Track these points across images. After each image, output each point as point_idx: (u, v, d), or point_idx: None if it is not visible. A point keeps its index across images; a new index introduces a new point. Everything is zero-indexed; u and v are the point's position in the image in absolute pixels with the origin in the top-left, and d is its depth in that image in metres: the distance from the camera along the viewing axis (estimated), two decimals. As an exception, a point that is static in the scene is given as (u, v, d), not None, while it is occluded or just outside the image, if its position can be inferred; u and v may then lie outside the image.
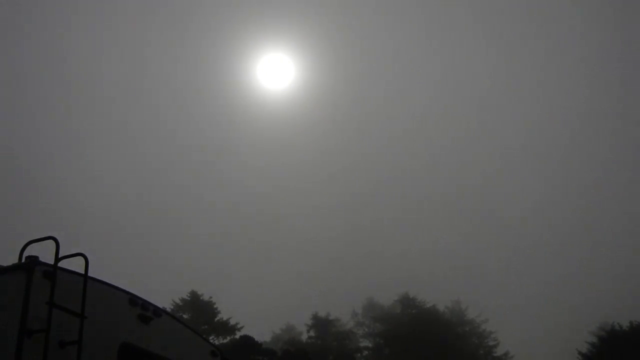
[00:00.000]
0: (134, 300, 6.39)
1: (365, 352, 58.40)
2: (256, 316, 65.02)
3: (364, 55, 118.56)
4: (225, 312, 57.00)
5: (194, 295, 57.04)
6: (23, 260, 5.33)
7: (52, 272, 5.25)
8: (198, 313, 55.43)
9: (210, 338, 48.58)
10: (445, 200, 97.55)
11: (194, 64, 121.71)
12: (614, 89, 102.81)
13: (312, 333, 58.27)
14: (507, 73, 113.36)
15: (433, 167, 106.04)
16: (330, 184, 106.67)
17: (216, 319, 56.28)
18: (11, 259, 5.41)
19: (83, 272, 5.61)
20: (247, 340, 46.83)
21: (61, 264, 5.40)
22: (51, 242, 5.40)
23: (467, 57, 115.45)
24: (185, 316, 53.13)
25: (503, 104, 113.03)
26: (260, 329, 61.39)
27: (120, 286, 6.33)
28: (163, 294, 53.55)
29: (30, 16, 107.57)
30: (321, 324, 58.17)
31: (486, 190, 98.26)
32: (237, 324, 55.95)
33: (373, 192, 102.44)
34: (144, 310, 6.47)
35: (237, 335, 53.16)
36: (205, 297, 57.14)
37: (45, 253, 5.32)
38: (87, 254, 5.65)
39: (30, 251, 5.41)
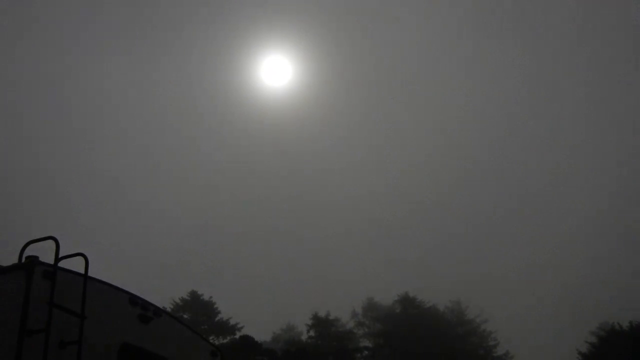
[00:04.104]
0: (134, 300, 6.38)
1: (365, 352, 58.34)
2: (256, 316, 65.12)
3: (353, 55, 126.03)
4: (225, 312, 57.12)
5: (194, 295, 57.07)
6: (23, 260, 5.33)
7: (52, 272, 5.25)
8: (198, 313, 55.47)
9: (210, 338, 48.58)
10: (445, 200, 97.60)
11: (205, 66, 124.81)
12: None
13: (312, 333, 58.24)
14: (511, 69, 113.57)
15: (431, 166, 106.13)
16: (329, 180, 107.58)
17: (216, 319, 56.32)
18: (11, 259, 5.41)
19: (83, 272, 5.61)
20: (247, 340, 46.83)
21: (61, 264, 5.40)
22: (51, 242, 5.40)
23: (457, 53, 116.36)
24: (185, 316, 53.14)
25: (503, 104, 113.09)
26: (260, 329, 61.54)
27: (120, 286, 6.33)
28: (163, 294, 53.57)
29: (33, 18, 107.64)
30: (321, 324, 58.14)
31: (486, 190, 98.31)
32: (237, 324, 56.01)
33: (372, 189, 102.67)
34: (144, 310, 6.46)
35: (237, 335, 53.18)
36: (205, 297, 57.23)
37: (45, 253, 5.32)
38: (87, 254, 5.66)
39: (30, 251, 5.41)
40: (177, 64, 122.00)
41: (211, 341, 14.60)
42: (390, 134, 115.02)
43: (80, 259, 5.63)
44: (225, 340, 52.51)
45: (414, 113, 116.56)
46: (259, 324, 64.15)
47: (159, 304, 7.02)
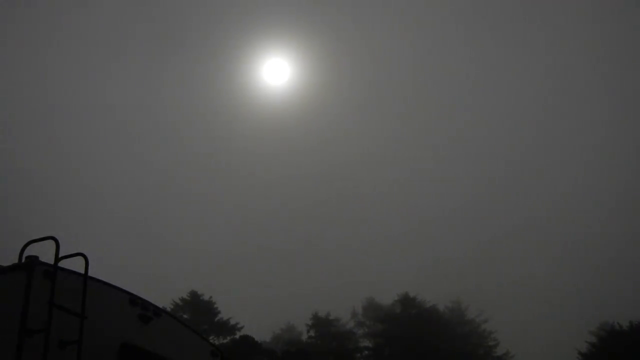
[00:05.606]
0: (134, 300, 6.39)
1: (365, 352, 58.34)
2: (256, 316, 65.08)
3: (347, 55, 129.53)
4: (225, 312, 57.10)
5: (194, 295, 57.05)
6: (23, 260, 5.34)
7: (52, 272, 5.25)
8: (198, 313, 55.45)
9: (210, 338, 48.58)
10: (445, 200, 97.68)
11: (209, 69, 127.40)
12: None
13: (312, 333, 58.28)
14: (503, 65, 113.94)
15: (430, 165, 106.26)
16: (328, 178, 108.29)
17: (216, 319, 56.30)
18: (11, 259, 5.41)
19: (83, 272, 5.61)
20: (247, 340, 46.87)
21: (61, 264, 5.40)
22: (51, 242, 5.40)
23: (457, 52, 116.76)
24: (185, 316, 53.11)
25: (494, 99, 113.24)
26: (260, 329, 61.47)
27: (120, 286, 6.34)
28: (163, 294, 53.56)
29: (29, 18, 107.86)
30: (321, 324, 58.19)
31: (486, 190, 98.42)
32: (237, 324, 56.01)
33: (372, 187, 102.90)
34: (144, 310, 6.47)
35: (237, 335, 53.19)
36: (205, 297, 57.23)
37: (45, 253, 5.32)
38: (87, 254, 5.66)
39: (30, 251, 5.42)
40: (186, 67, 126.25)
41: (211, 341, 14.62)
42: (387, 132, 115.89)
43: (80, 259, 5.64)
44: (225, 340, 52.50)
45: (409, 112, 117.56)
46: (259, 324, 64.14)
47: (159, 304, 7.02)
